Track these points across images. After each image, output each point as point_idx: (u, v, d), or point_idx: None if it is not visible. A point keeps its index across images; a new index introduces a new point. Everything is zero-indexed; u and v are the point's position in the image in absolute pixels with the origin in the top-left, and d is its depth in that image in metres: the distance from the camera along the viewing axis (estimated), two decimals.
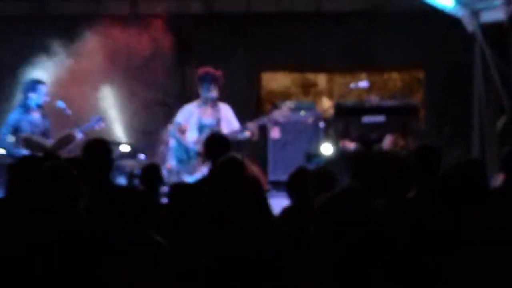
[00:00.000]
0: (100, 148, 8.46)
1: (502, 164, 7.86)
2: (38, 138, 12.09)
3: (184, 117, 12.33)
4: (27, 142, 12.01)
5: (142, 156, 13.21)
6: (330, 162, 11.76)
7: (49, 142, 12.09)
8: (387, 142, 12.20)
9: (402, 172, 7.17)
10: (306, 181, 8.01)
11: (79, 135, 12.26)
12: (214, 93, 12.01)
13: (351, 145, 12.13)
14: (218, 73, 12.11)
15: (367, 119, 12.76)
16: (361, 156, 8.18)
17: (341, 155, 11.17)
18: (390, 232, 4.95)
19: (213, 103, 12.07)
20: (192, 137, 12.16)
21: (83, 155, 8.34)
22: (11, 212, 7.08)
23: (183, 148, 12.17)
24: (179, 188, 8.15)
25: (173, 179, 11.89)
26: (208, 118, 12.11)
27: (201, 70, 12.25)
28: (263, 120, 12.51)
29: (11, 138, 12.13)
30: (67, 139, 12.26)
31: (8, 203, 7.48)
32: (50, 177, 6.55)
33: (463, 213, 6.06)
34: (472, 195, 6.12)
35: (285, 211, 8.31)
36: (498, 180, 8.30)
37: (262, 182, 8.57)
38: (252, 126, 12.14)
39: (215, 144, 9.30)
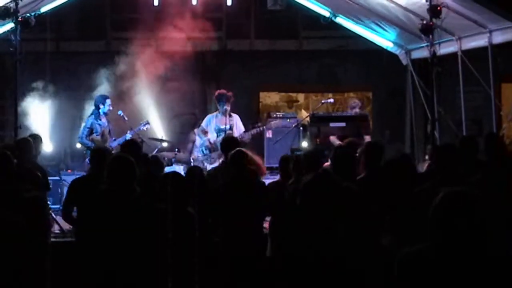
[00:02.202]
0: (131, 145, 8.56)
1: (428, 156, 7.95)
2: (97, 138, 12.12)
3: (206, 123, 12.18)
4: (92, 140, 12.03)
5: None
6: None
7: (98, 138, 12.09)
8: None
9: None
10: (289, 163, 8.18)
11: (131, 135, 12.29)
12: (227, 107, 11.90)
13: (336, 141, 11.98)
14: (230, 93, 12.07)
15: (333, 124, 12.65)
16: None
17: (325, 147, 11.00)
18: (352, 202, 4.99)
19: (227, 114, 11.92)
20: (212, 138, 12.06)
21: (120, 150, 8.39)
22: (94, 183, 7.22)
23: (205, 144, 12.21)
24: (192, 169, 8.28)
25: (197, 164, 11.95)
26: (223, 125, 11.94)
27: (218, 92, 12.13)
28: (262, 127, 12.56)
29: (87, 137, 12.16)
30: (104, 136, 12.20)
31: (92, 178, 7.72)
32: (117, 162, 6.67)
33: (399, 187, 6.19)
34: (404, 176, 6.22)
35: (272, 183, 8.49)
36: (424, 167, 8.47)
37: (262, 167, 8.68)
38: (254, 131, 12.21)
39: (229, 143, 9.37)
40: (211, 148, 11.99)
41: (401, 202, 5.87)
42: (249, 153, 8.22)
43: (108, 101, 12.31)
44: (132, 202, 6.20)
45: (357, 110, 12.83)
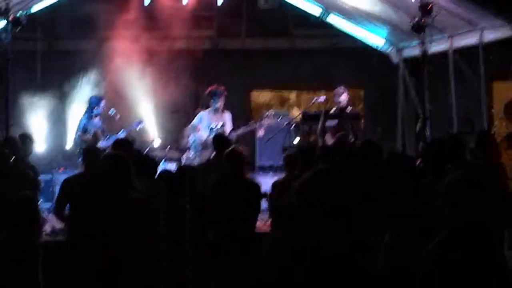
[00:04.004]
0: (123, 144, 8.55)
1: (419, 154, 7.94)
2: (88, 137, 12.03)
3: (198, 120, 12.16)
4: (84, 141, 11.99)
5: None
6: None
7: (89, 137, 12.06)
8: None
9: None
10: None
11: (123, 134, 12.23)
12: (220, 104, 11.90)
13: (330, 139, 11.88)
14: (222, 88, 12.10)
15: (325, 123, 12.63)
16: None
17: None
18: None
19: (220, 111, 11.90)
20: (204, 135, 11.99)
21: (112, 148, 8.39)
22: (86, 181, 7.21)
23: (197, 142, 12.13)
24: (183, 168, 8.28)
25: (188, 163, 11.90)
26: (215, 122, 11.93)
27: (211, 88, 12.10)
28: (255, 125, 12.51)
29: (80, 138, 12.12)
30: (97, 136, 12.13)
31: (86, 176, 7.70)
32: (111, 160, 6.64)
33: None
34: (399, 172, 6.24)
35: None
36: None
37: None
38: (240, 132, 12.17)
39: (220, 140, 9.36)
40: (203, 145, 11.94)
41: (400, 198, 5.90)
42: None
43: (102, 103, 12.31)
44: (126, 200, 6.19)
45: (343, 98, 12.55)
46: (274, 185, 8.26)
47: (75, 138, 12.20)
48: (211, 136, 11.82)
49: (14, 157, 8.25)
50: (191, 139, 12.35)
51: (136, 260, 6.06)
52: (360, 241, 4.10)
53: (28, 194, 6.03)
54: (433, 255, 3.72)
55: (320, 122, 11.48)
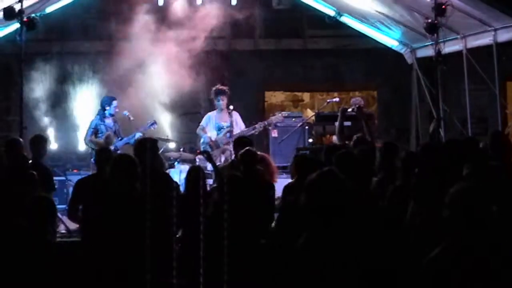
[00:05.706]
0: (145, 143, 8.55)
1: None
2: (97, 139, 12.06)
3: (206, 122, 12.17)
4: (94, 143, 12.01)
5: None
6: (313, 151, 11.87)
7: (102, 140, 11.97)
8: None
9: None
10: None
11: (138, 135, 12.22)
12: (224, 102, 11.87)
13: (337, 141, 11.83)
14: (225, 87, 12.12)
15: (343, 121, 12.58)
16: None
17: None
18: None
19: (228, 110, 11.83)
20: (212, 135, 12.01)
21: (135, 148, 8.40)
22: (100, 182, 7.26)
23: (206, 142, 11.99)
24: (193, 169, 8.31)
25: (201, 164, 11.89)
26: (224, 122, 11.92)
27: (214, 88, 12.18)
28: (264, 123, 12.46)
29: (91, 138, 12.13)
30: (109, 139, 12.15)
31: (98, 177, 7.77)
32: (120, 161, 6.70)
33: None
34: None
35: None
36: None
37: (272, 166, 8.69)
38: (258, 126, 12.11)
39: (241, 142, 9.38)
40: (212, 145, 11.95)
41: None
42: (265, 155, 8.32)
43: (115, 103, 12.29)
44: (135, 200, 6.24)
45: (358, 101, 12.47)
46: (286, 187, 8.29)
47: (85, 138, 12.21)
48: (220, 136, 11.89)
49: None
50: (201, 140, 12.33)
51: (148, 260, 6.11)
52: (367, 243, 4.15)
53: (44, 195, 6.10)
54: (436, 263, 3.75)
55: (338, 121, 11.49)
